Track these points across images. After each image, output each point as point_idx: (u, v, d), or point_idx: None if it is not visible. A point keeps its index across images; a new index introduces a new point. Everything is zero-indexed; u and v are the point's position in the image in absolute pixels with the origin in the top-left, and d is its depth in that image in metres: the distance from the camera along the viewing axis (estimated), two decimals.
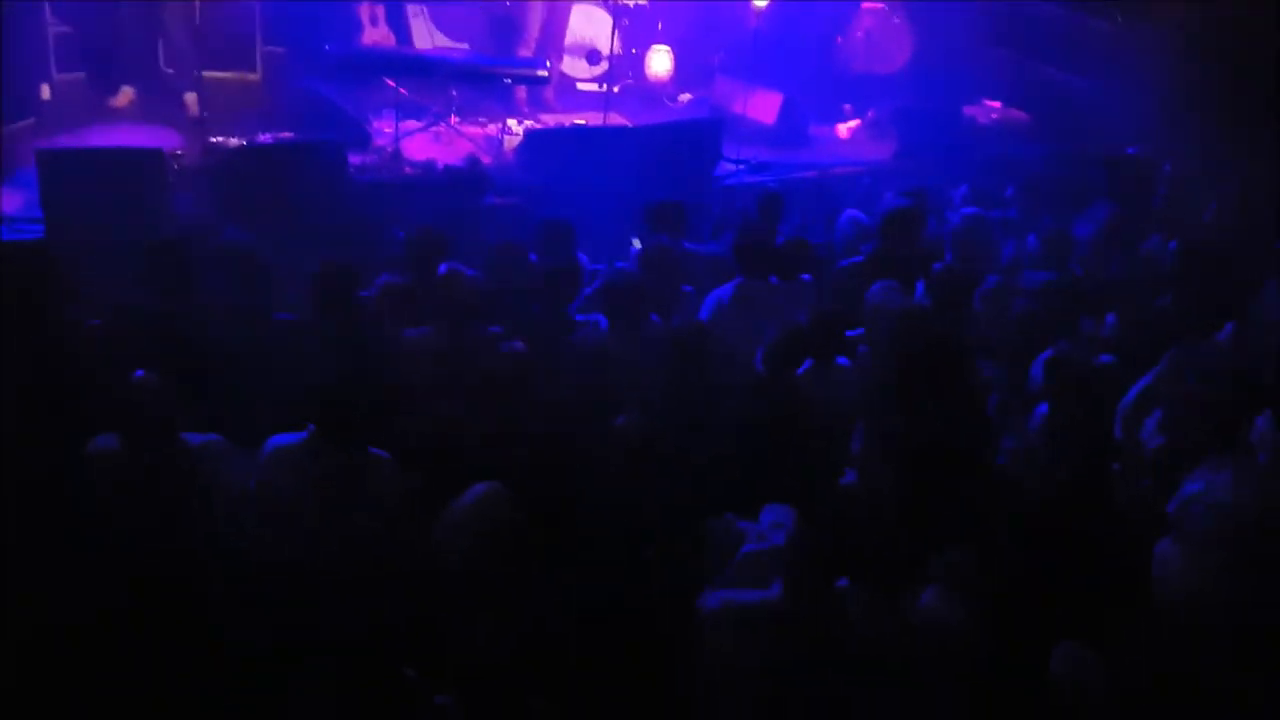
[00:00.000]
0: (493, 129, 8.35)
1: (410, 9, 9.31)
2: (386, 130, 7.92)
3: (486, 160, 7.64)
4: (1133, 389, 4.29)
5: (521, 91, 8.84)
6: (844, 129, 9.08)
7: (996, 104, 9.18)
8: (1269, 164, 6.69)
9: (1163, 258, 5.98)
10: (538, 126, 8.34)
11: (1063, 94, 8.95)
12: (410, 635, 2.67)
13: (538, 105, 8.87)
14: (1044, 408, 3.90)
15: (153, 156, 6.27)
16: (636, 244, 5.98)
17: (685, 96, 9.44)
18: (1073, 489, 3.20)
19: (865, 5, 9.60)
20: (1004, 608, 2.56)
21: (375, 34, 9.12)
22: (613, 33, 8.58)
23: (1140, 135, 7.77)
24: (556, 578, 3.04)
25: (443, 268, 4.68)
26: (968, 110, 8.98)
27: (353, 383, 3.54)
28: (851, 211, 6.31)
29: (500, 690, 2.59)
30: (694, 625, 2.78)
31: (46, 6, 7.76)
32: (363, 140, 7.64)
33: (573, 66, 9.44)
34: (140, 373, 3.67)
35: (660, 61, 9.41)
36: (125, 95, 7.99)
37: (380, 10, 9.11)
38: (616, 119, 8.67)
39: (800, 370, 4.42)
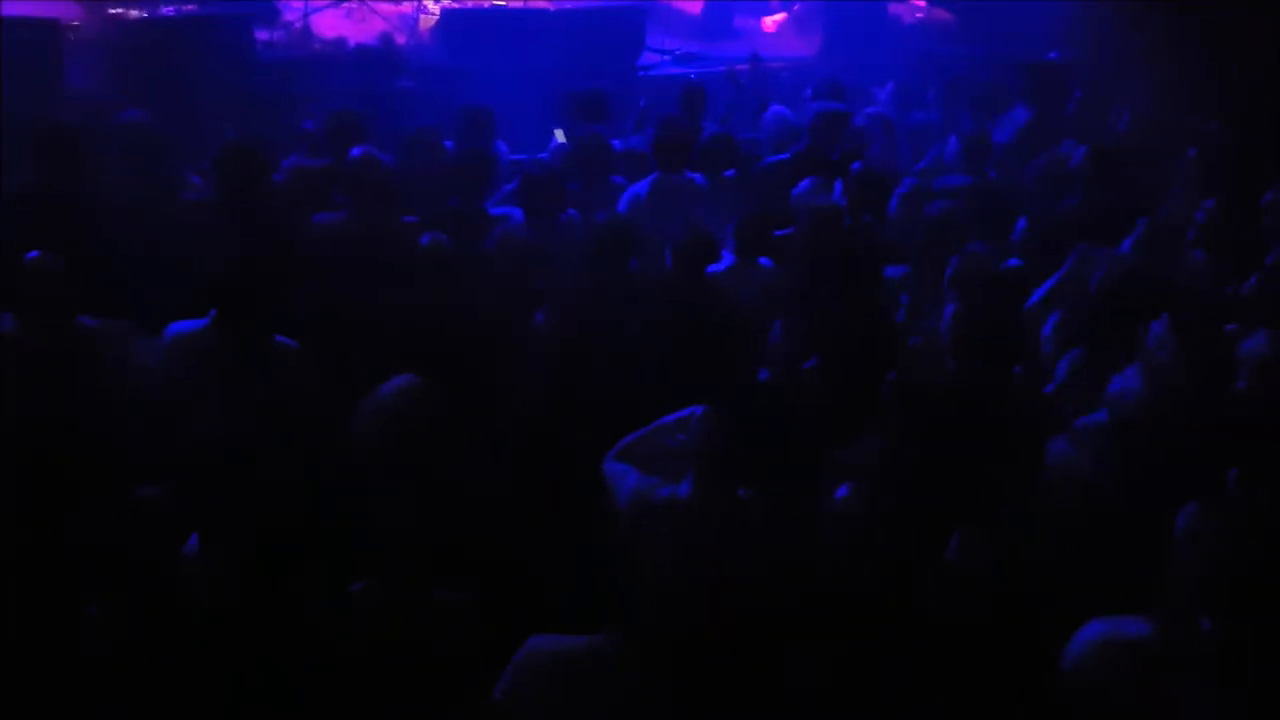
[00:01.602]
0: (408, 7, 8.04)
1: None
2: (296, 5, 7.57)
3: (401, 40, 7.38)
4: (1037, 291, 4.42)
5: None
6: (770, 22, 8.97)
7: (922, 2, 9.12)
8: (1183, 74, 6.82)
9: (1075, 163, 6.10)
10: (455, 6, 8.05)
11: None
12: (324, 523, 2.66)
13: None
14: (952, 307, 4.00)
15: (47, 28, 5.91)
16: (559, 135, 5.86)
17: None
18: (974, 386, 3.31)
19: None
20: (907, 498, 2.66)
21: None
22: None
23: (1063, 41, 7.82)
24: (477, 469, 3.06)
25: (356, 151, 4.54)
26: (893, 8, 8.91)
27: (256, 267, 3.45)
28: (777, 108, 6.27)
29: (420, 578, 2.62)
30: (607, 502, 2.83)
31: None
32: (270, 15, 7.33)
33: None
34: (34, 254, 3.55)
35: None
36: None
37: None
38: (538, 2, 8.41)
39: (722, 268, 4.43)
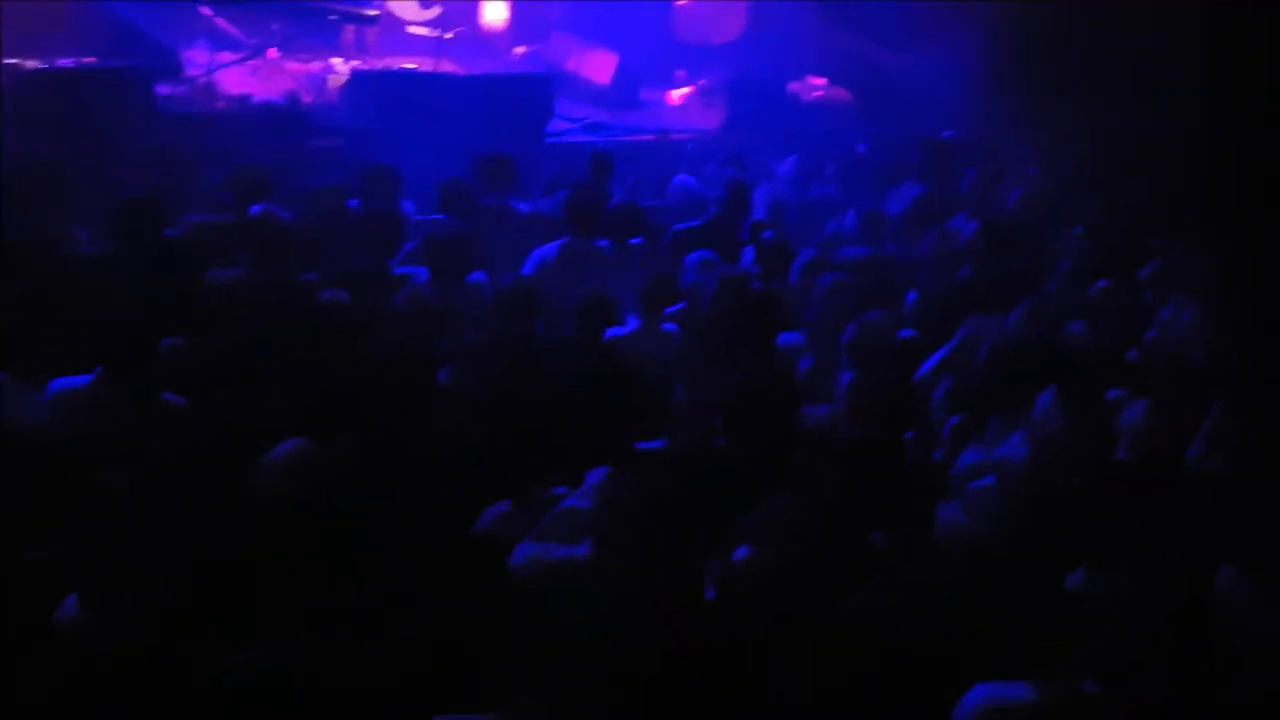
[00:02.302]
0: (316, 67, 8.02)
1: None
2: (200, 61, 7.49)
3: (308, 99, 7.34)
4: (929, 361, 4.56)
5: (349, 31, 8.52)
6: (676, 95, 9.18)
7: (822, 81, 9.46)
8: (1071, 154, 7.17)
9: (966, 237, 6.35)
10: (364, 67, 8.06)
11: (885, 75, 9.31)
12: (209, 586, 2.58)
13: (365, 46, 8.56)
14: (849, 374, 4.10)
15: None
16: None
17: (520, 49, 9.31)
18: (870, 451, 3.39)
19: None
20: (804, 558, 2.70)
21: None
22: None
23: (955, 120, 8.18)
24: (369, 537, 3.00)
25: (257, 208, 4.48)
26: (793, 86, 9.22)
27: (147, 323, 3.36)
28: (683, 177, 6.41)
29: (307, 649, 2.54)
30: (506, 579, 2.80)
31: None
32: (173, 70, 7.22)
33: (403, 9, 9.14)
34: None
35: (495, 11, 9.25)
36: None
37: None
38: (448, 66, 8.47)
39: (627, 332, 4.47)
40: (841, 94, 9.42)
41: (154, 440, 3.29)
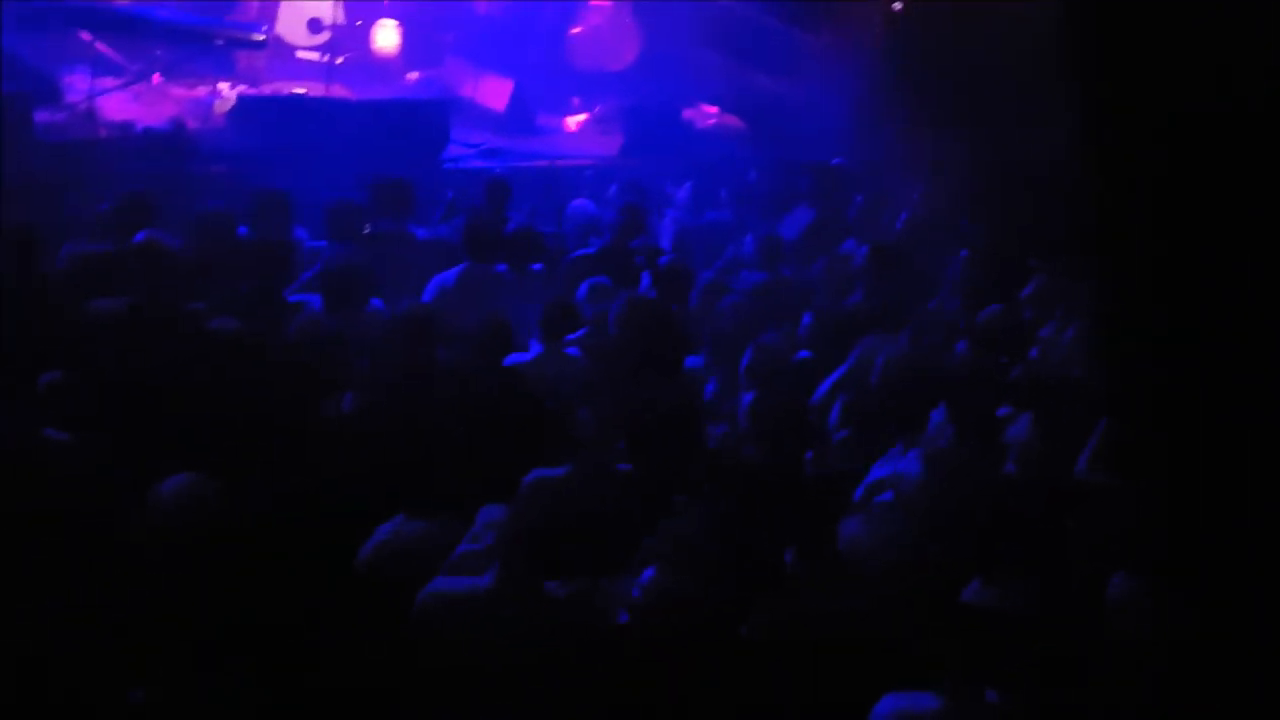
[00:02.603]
0: (202, 92, 7.82)
1: None
2: (81, 87, 7.23)
3: (194, 125, 7.14)
4: (824, 382, 4.66)
5: (237, 56, 8.33)
6: (572, 122, 9.22)
7: (714, 109, 9.62)
8: (955, 180, 7.43)
9: (856, 260, 6.52)
10: (252, 92, 7.88)
11: (774, 102, 9.52)
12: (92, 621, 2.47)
13: (253, 71, 8.38)
14: (749, 396, 4.16)
15: None
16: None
17: (413, 74, 9.23)
18: (771, 469, 3.45)
19: (593, 2, 9.78)
20: (710, 578, 2.73)
21: None
22: (338, 2, 8.26)
23: (844, 145, 8.41)
24: (261, 572, 2.91)
25: (141, 235, 4.32)
26: (687, 113, 9.36)
27: (24, 355, 3.21)
28: (580, 202, 6.43)
29: (198, 685, 2.45)
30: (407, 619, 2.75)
31: None
32: (52, 96, 6.95)
33: (292, 33, 8.98)
34: None
35: (387, 36, 9.15)
36: None
37: None
38: (340, 91, 8.35)
39: (529, 357, 4.45)
40: (734, 121, 9.60)
41: (32, 476, 3.14)
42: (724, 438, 4.02)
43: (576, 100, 9.42)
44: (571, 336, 4.55)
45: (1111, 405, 4.07)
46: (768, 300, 5.51)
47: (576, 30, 9.77)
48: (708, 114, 9.58)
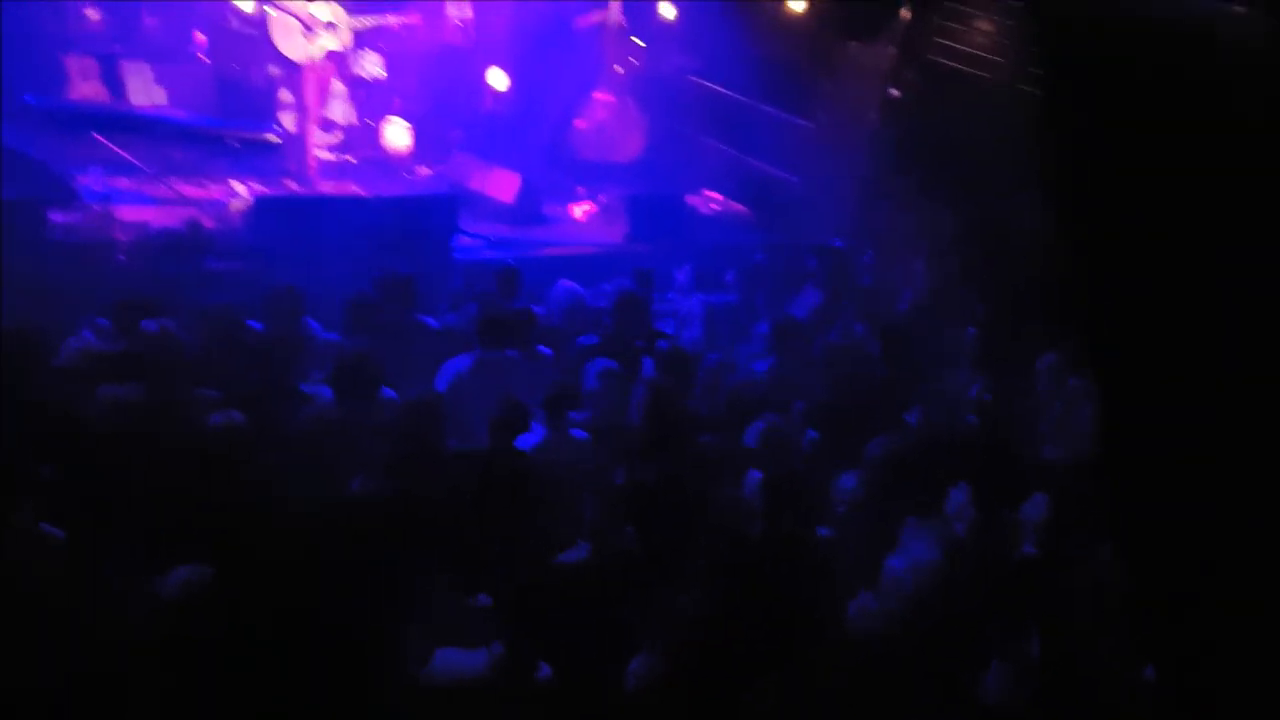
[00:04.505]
0: (216, 191, 7.99)
1: (127, 66, 8.82)
2: (96, 189, 7.40)
3: (208, 224, 7.28)
4: (833, 461, 4.63)
5: (252, 155, 8.53)
6: (578, 211, 9.37)
7: (718, 195, 9.79)
8: (957, 250, 7.50)
9: (863, 341, 6.55)
10: (267, 192, 8.05)
11: (776, 188, 9.69)
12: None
13: (270, 169, 8.57)
14: (757, 474, 4.14)
15: None
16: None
17: (423, 170, 9.44)
18: (780, 548, 3.42)
19: (598, 96, 10.02)
20: (711, 652, 2.69)
21: (86, 88, 8.59)
22: (349, 103, 8.48)
23: (847, 225, 8.53)
24: (264, 666, 2.88)
25: (150, 325, 4.39)
26: (691, 200, 9.52)
27: (27, 451, 3.23)
28: (566, 282, 6.50)
29: None
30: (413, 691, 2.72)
31: None
32: (67, 199, 7.09)
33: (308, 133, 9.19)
34: None
35: (397, 135, 9.38)
36: None
37: (92, 64, 8.58)
38: (352, 189, 8.53)
39: (534, 441, 4.46)
40: (737, 207, 9.75)
41: (29, 572, 3.13)
42: (731, 517, 4.00)
43: (582, 190, 9.59)
44: (576, 417, 4.56)
45: (1124, 486, 4.05)
46: (773, 379, 5.54)
47: (581, 123, 10.00)
48: (711, 200, 9.74)
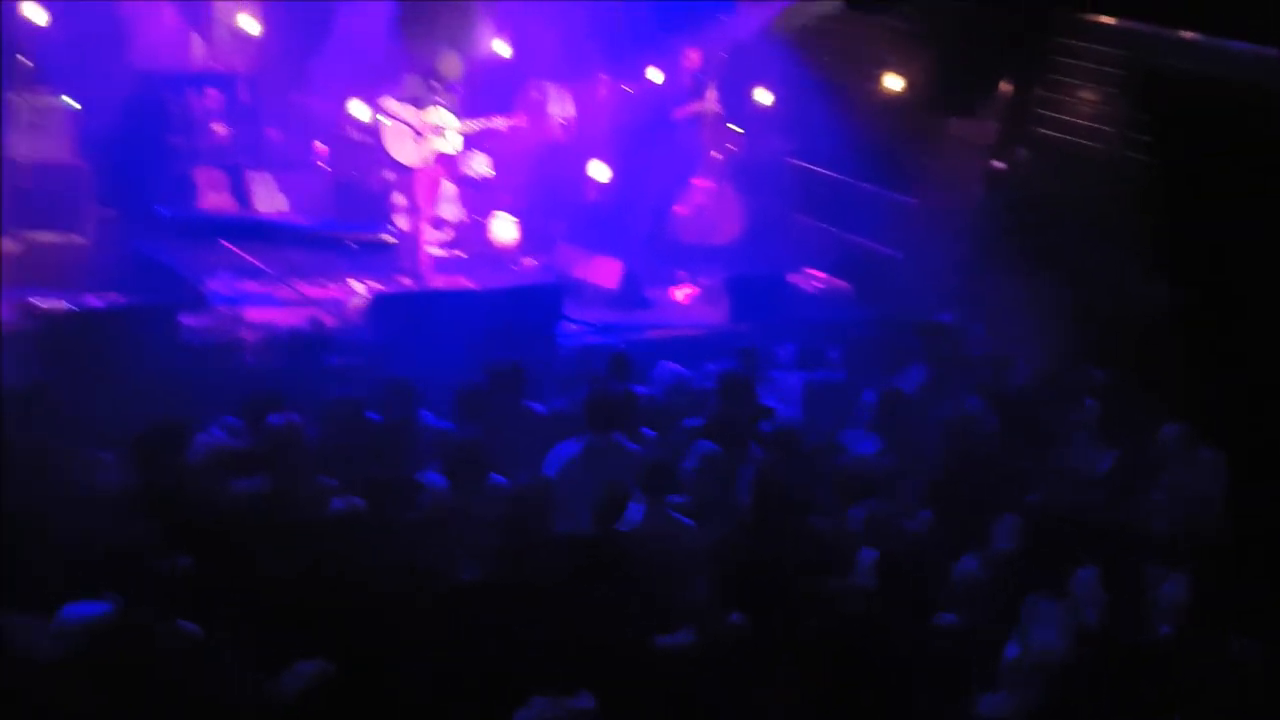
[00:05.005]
0: (336, 291, 8.34)
1: (252, 176, 9.35)
2: (224, 293, 7.80)
3: (329, 322, 7.59)
4: (952, 543, 4.50)
5: (369, 255, 8.89)
6: (680, 294, 9.47)
7: (820, 273, 9.77)
8: (1067, 322, 7.32)
9: (978, 415, 6.39)
10: (383, 289, 8.37)
11: (879, 264, 9.64)
12: None
13: (386, 268, 8.91)
14: (869, 556, 4.05)
15: None
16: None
17: (529, 261, 9.70)
18: (897, 635, 3.32)
19: (697, 182, 10.19)
20: None
21: (214, 198, 9.11)
22: (458, 202, 8.80)
23: (952, 300, 8.40)
24: None
25: (276, 419, 4.59)
26: (793, 278, 9.52)
27: (162, 547, 3.36)
28: (670, 364, 6.53)
29: None
30: None
31: None
32: (197, 303, 7.49)
33: (421, 231, 9.56)
34: None
35: (504, 229, 9.68)
36: None
37: (220, 175, 9.13)
38: (462, 282, 8.80)
39: (635, 520, 4.47)
40: (840, 283, 9.72)
41: (168, 668, 3.23)
42: (843, 601, 3.91)
43: (683, 273, 9.70)
44: (675, 499, 4.55)
45: (1264, 564, 3.84)
46: (884, 458, 5.44)
47: (681, 209, 10.17)
48: (814, 278, 9.73)
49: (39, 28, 7.31)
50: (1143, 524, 5.15)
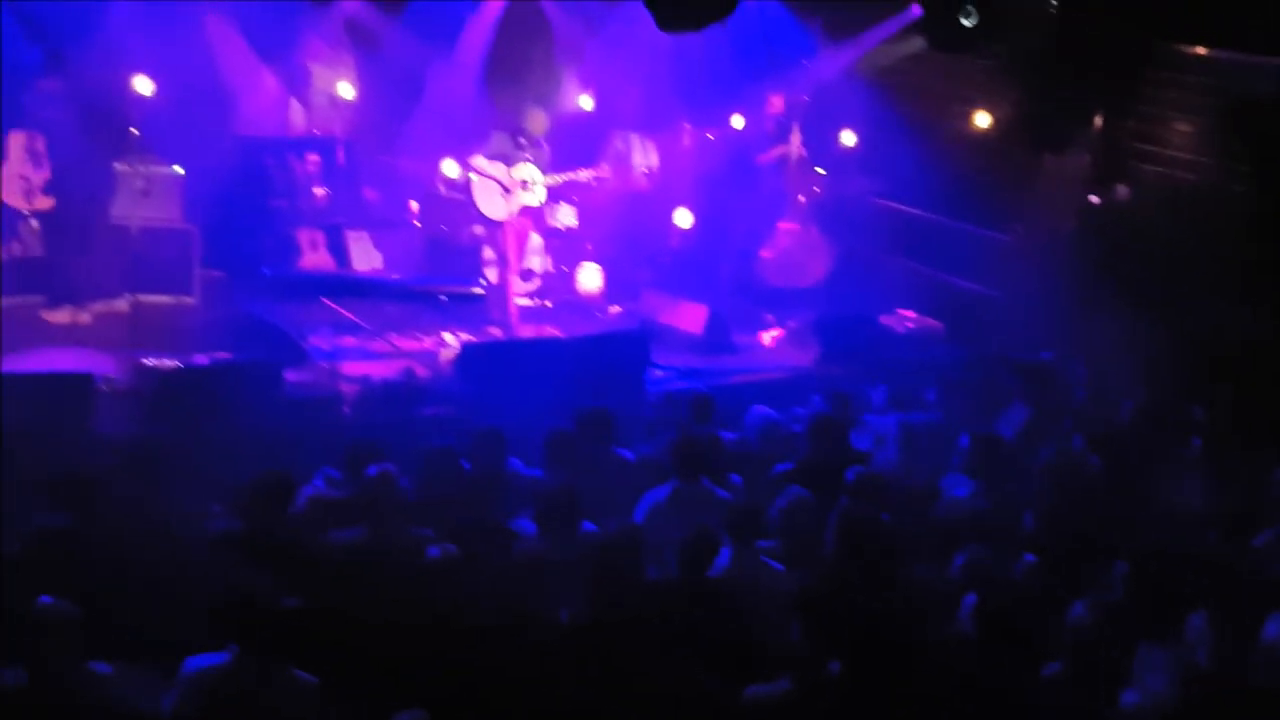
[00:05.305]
0: (429, 343, 8.53)
1: (350, 234, 9.66)
2: (324, 348, 8.05)
3: (422, 373, 7.76)
4: (1055, 586, 4.35)
5: (460, 307, 9.09)
6: (768, 337, 9.44)
7: (911, 313, 9.64)
8: (1171, 362, 7.08)
9: (1082, 457, 6.20)
10: (474, 340, 8.54)
11: (972, 302, 9.47)
12: None
13: (477, 319, 9.09)
14: (971, 602, 3.94)
15: (79, 380, 6.26)
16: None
17: (615, 309, 9.79)
18: (1008, 682, 3.21)
19: (782, 225, 10.19)
20: None
21: (314, 257, 9.43)
22: (545, 253, 8.96)
23: (1051, 338, 8.20)
24: None
25: (373, 470, 4.73)
26: (885, 319, 9.41)
27: (277, 599, 3.45)
28: (760, 408, 6.48)
29: None
30: None
31: None
32: (299, 358, 7.75)
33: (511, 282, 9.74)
34: (47, 599, 3.56)
35: (590, 277, 9.81)
36: (70, 314, 8.16)
37: (319, 236, 9.46)
38: (550, 331, 8.92)
39: (723, 563, 4.43)
40: (932, 323, 9.57)
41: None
42: (945, 650, 3.80)
43: (770, 317, 9.67)
44: (764, 544, 4.50)
45: None
46: (982, 501, 5.30)
47: (767, 253, 10.16)
48: (905, 318, 9.60)
49: (147, 99, 7.71)
50: (1254, 565, 4.91)
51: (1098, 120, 8.98)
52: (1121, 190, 8.88)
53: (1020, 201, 9.55)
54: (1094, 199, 9.01)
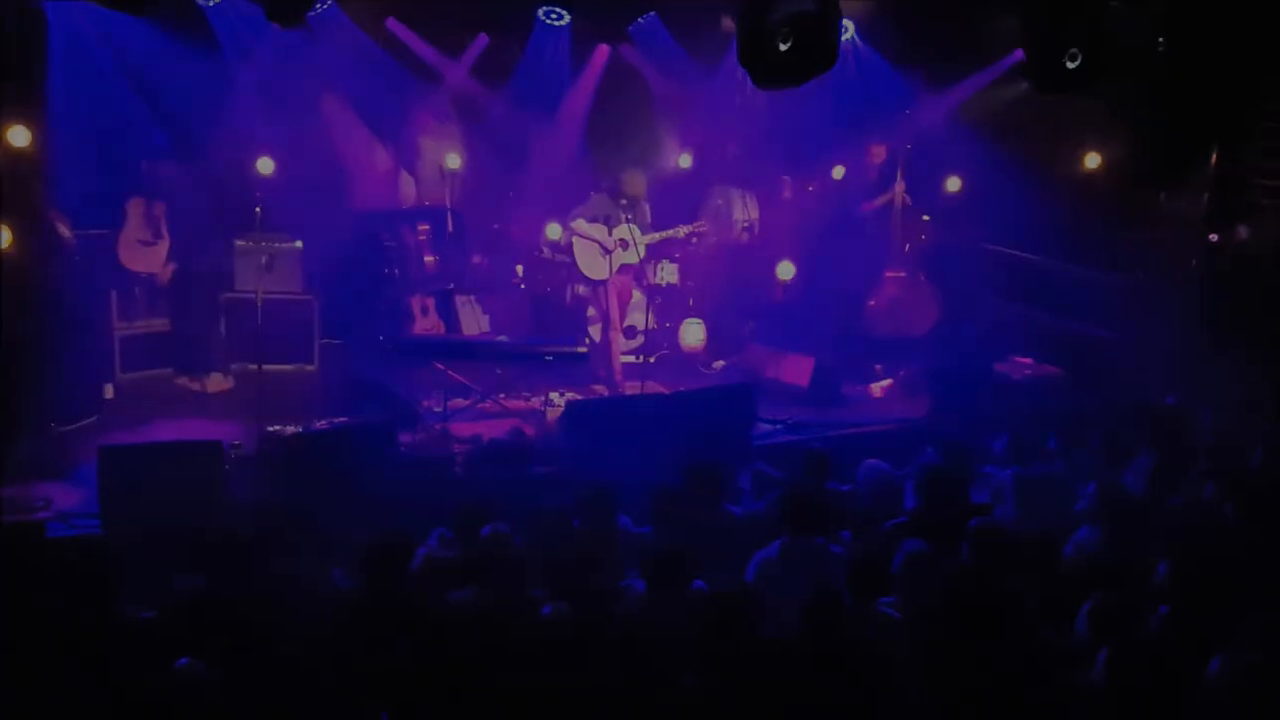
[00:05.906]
0: (536, 402, 8.66)
1: (459, 299, 9.92)
2: (436, 410, 8.24)
3: (530, 432, 7.86)
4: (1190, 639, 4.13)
5: (565, 366, 9.21)
6: (877, 389, 9.28)
7: (1029, 360, 9.37)
8: None
9: (1214, 504, 5.90)
10: (579, 398, 8.62)
11: (1091, 347, 9.16)
12: None
13: (582, 378, 9.19)
14: (1103, 658, 3.77)
15: (209, 448, 6.53)
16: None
17: (719, 364, 9.77)
18: None
19: (888, 274, 10.06)
20: None
21: (426, 323, 9.69)
22: (647, 310, 9.05)
23: (1173, 383, 7.87)
24: None
25: (486, 530, 4.79)
26: (1000, 367, 9.17)
27: (404, 663, 3.47)
28: (873, 461, 6.34)
29: None
30: None
31: (114, 309, 8.47)
32: (412, 420, 7.95)
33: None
34: (184, 661, 3.66)
35: (693, 333, 9.83)
36: (199, 383, 8.68)
37: (430, 302, 9.73)
38: (654, 388, 8.96)
39: (842, 628, 4.33)
40: (1051, 369, 9.28)
41: None
42: (1077, 708, 3.63)
43: (879, 367, 9.52)
44: (884, 600, 4.38)
45: None
46: (1110, 553, 5.08)
47: (873, 302, 10.04)
48: (1022, 365, 9.34)
49: (268, 178, 8.11)
50: None
51: (1214, 158, 8.67)
52: (1241, 229, 8.54)
53: (1136, 243, 9.26)
54: (1213, 238, 8.67)
